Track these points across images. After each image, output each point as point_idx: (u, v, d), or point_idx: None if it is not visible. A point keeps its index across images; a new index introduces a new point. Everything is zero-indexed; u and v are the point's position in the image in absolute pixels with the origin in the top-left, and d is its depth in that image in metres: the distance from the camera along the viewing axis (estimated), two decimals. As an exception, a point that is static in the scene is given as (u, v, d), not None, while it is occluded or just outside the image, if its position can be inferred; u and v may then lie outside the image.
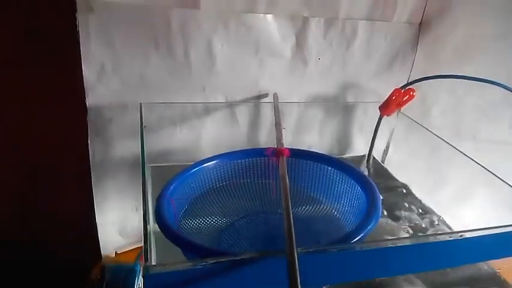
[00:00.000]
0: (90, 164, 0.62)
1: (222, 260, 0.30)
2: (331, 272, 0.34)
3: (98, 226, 0.67)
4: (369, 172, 0.70)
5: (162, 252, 0.45)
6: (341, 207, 0.52)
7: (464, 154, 0.58)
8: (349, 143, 0.73)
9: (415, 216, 0.59)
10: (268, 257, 0.31)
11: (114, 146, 0.63)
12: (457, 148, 0.59)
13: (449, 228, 0.59)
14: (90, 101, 0.58)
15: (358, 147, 0.73)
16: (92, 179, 0.64)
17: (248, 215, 0.55)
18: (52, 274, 0.68)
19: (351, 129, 0.71)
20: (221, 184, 0.56)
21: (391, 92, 0.63)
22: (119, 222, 0.71)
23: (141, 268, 0.65)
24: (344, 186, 0.52)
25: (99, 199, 0.66)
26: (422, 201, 0.64)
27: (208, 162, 0.55)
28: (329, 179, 0.54)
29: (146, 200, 0.39)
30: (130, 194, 0.68)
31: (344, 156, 0.73)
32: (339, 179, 0.53)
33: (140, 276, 0.64)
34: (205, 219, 0.53)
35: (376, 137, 0.68)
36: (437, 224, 0.58)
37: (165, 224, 0.41)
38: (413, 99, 0.63)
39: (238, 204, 0.56)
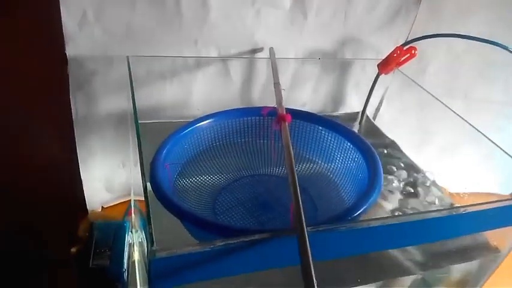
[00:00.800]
0: (73, 119, 0.59)
1: (231, 242, 0.29)
2: (337, 247, 0.34)
3: (83, 182, 0.65)
4: (360, 129, 0.69)
5: (159, 221, 0.44)
6: (341, 174, 0.52)
7: (454, 111, 0.57)
8: (343, 100, 0.71)
9: (402, 173, 0.60)
10: (277, 237, 0.30)
11: (98, 100, 0.58)
12: (448, 106, 0.58)
13: (437, 186, 0.59)
14: (70, 51, 0.52)
15: (352, 104, 0.71)
16: (75, 135, 0.60)
17: (244, 177, 0.54)
18: (38, 232, 0.67)
19: (346, 86, 0.69)
20: (215, 144, 0.54)
21: (390, 48, 0.61)
22: (105, 178, 0.68)
23: (130, 224, 0.64)
24: (344, 152, 0.51)
25: (84, 155, 0.63)
26: (409, 157, 0.64)
27: (202, 121, 0.52)
28: (328, 144, 0.53)
29: (143, 173, 0.36)
30: (116, 150, 0.65)
31: (337, 113, 0.71)
32: (336, 143, 0.52)
33: (130, 232, 0.63)
34: (200, 181, 0.52)
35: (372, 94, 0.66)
36: (422, 183, 0.59)
37: (163, 195, 0.39)
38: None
39: (233, 166, 0.54)
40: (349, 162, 0.51)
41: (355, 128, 0.69)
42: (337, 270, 0.39)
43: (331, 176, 0.53)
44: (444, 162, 0.77)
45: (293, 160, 0.38)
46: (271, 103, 0.55)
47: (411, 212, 0.52)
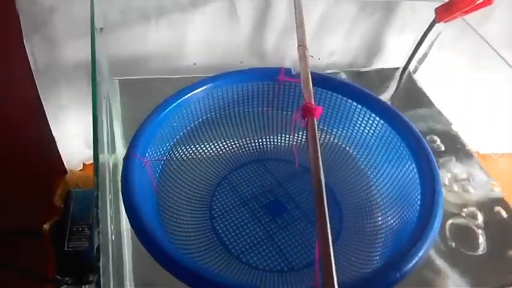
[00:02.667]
0: (32, 68, 0.45)
1: None
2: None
3: (59, 139, 0.55)
4: (397, 88, 0.56)
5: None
6: (380, 174, 0.40)
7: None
8: (380, 52, 0.55)
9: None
10: None
11: (62, 46, 0.45)
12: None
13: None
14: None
15: (390, 58, 0.56)
16: (38, 88, 0.48)
17: (248, 163, 0.42)
18: (14, 196, 0.58)
19: (387, 35, 0.53)
20: (213, 119, 0.42)
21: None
22: (83, 134, 0.57)
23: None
24: (388, 147, 0.38)
25: (53, 110, 0.51)
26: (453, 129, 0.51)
27: (195, 90, 0.39)
28: (363, 127, 0.40)
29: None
30: (90, 103, 0.53)
31: (370, 68, 0.56)
32: (378, 131, 0.39)
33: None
34: (193, 170, 0.40)
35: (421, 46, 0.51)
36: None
37: (143, 229, 0.28)
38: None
39: (235, 148, 0.43)
40: (395, 165, 0.38)
41: (393, 87, 0.55)
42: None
43: (369, 173, 0.41)
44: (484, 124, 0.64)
45: (322, 177, 0.26)
46: (291, 56, 0.41)
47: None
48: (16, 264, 0.56)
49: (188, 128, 0.40)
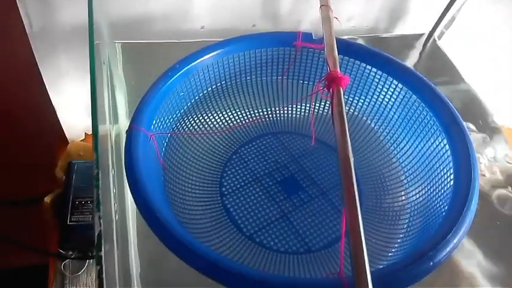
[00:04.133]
0: (27, 31, 0.42)
1: None
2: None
3: (59, 108, 0.52)
4: (421, 56, 0.52)
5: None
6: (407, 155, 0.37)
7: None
8: (403, 15, 0.51)
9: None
10: None
11: (58, 5, 0.41)
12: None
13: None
14: None
15: (414, 23, 0.52)
16: (34, 53, 0.44)
17: (261, 136, 0.39)
18: (14, 168, 0.55)
19: (412, -3, 0.49)
20: (223, 88, 0.38)
21: None
22: (84, 102, 0.54)
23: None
24: (416, 124, 0.35)
25: (52, 76, 0.48)
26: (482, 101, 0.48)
27: (204, 56, 0.35)
28: (388, 99, 0.37)
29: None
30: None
31: (393, 34, 0.52)
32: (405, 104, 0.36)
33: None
34: (201, 144, 0.37)
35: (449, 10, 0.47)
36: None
37: (149, 209, 0.25)
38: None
39: (247, 120, 0.40)
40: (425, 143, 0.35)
41: (415, 54, 0.51)
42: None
43: (391, 148, 0.38)
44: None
45: (350, 154, 0.23)
46: (308, 20, 0.38)
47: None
48: (17, 237, 0.54)
49: (196, 98, 0.37)
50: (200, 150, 0.37)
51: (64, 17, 0.42)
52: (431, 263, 0.23)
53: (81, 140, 0.59)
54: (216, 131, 0.38)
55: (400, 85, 0.35)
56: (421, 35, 0.51)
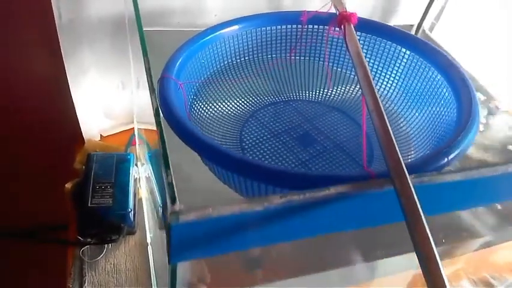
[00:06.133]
0: (56, 23, 0.46)
1: (296, 198, 0.18)
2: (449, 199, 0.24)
3: (78, 105, 0.54)
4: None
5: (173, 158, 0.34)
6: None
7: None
8: (395, 8, 0.56)
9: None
10: (360, 192, 0.20)
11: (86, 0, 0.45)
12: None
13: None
14: None
15: (406, 14, 0.57)
16: (61, 46, 0.48)
17: (277, 103, 0.42)
18: (30, 163, 0.57)
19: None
20: (241, 60, 0.42)
21: None
22: (102, 101, 0.57)
23: (135, 156, 0.54)
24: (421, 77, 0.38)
25: (75, 71, 0.51)
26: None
27: (224, 28, 0.40)
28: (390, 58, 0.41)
29: (153, 89, 0.25)
30: (113, 66, 0.53)
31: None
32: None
33: (135, 166, 0.53)
34: (221, 107, 0.40)
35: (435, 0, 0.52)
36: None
37: (179, 122, 0.28)
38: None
39: (264, 88, 0.43)
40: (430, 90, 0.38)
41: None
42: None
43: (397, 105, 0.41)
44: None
45: (369, 73, 0.26)
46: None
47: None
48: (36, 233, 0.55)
49: (218, 66, 0.40)
50: (221, 109, 0.40)
51: (92, 9, 0.46)
52: (446, 159, 0.26)
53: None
54: (234, 94, 0.41)
55: (399, 47, 0.39)
56: (411, 26, 0.56)
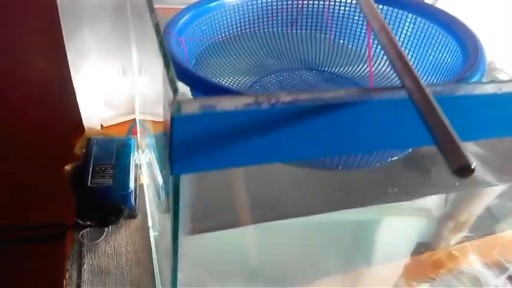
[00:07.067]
0: (57, 2, 0.46)
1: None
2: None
3: (78, 93, 0.53)
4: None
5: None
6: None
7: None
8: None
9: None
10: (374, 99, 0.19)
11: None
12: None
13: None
14: None
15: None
16: (62, 28, 0.48)
17: (279, 72, 0.42)
18: (27, 149, 0.56)
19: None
20: (244, 31, 0.42)
21: None
22: (103, 89, 0.57)
23: (136, 142, 0.53)
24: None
25: (74, 56, 0.51)
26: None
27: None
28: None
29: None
30: (113, 51, 0.53)
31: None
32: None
33: (136, 151, 0.52)
34: (224, 75, 0.40)
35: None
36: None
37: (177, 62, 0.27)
38: None
39: (266, 58, 0.42)
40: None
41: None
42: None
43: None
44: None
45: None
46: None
47: None
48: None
49: (219, 36, 0.40)
50: (222, 72, 0.39)
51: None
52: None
53: (98, 130, 0.60)
54: (235, 65, 0.41)
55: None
56: None
